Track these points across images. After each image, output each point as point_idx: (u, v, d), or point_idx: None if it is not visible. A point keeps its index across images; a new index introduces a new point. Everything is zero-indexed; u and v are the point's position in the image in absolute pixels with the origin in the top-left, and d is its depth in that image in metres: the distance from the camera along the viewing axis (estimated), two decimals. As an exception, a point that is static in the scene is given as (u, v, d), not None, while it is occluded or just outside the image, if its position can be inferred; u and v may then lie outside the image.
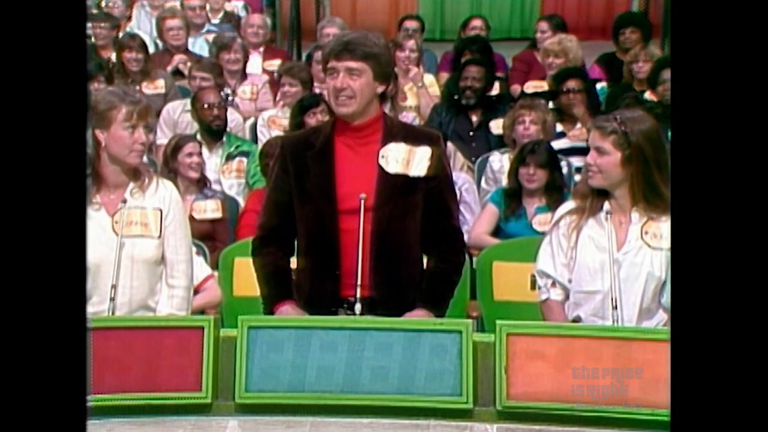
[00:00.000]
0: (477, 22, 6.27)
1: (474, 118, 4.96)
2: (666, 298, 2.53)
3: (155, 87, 5.26)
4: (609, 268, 2.43)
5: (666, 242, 2.51)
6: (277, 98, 5.03)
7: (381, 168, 2.50)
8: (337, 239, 2.49)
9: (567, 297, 2.61)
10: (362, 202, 2.45)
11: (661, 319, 2.54)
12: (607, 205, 2.55)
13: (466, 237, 3.92)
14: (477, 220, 4.04)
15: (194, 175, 4.14)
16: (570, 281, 2.59)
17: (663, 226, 2.53)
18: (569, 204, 2.66)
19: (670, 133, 3.92)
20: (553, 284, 2.61)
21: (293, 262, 2.63)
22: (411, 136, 2.56)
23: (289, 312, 2.45)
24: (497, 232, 3.94)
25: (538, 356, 2.00)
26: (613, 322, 2.31)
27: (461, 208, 4.10)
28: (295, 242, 2.61)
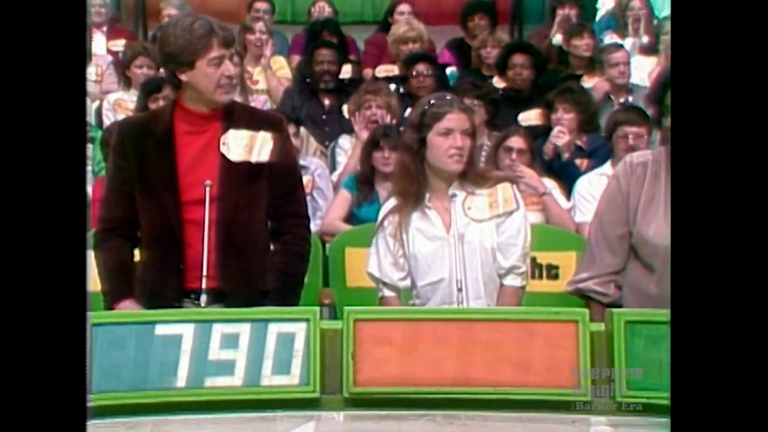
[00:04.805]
0: (322, 4, 6.22)
1: (327, 102, 4.94)
2: (502, 263, 2.61)
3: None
4: (448, 253, 2.49)
5: (485, 212, 2.59)
6: (132, 80, 4.80)
7: (223, 155, 2.44)
8: (181, 231, 2.41)
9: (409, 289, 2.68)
10: (207, 189, 2.38)
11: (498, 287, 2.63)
12: (427, 195, 2.61)
13: (319, 223, 3.92)
14: (330, 206, 4.02)
15: None
16: (403, 279, 2.65)
17: (478, 198, 2.61)
18: (391, 202, 2.70)
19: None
20: (384, 283, 2.67)
21: (136, 256, 2.54)
22: (253, 121, 2.50)
23: (129, 309, 2.36)
24: (351, 218, 3.95)
25: (385, 341, 2.00)
26: (458, 304, 2.36)
27: (314, 194, 4.08)
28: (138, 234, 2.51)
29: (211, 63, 2.41)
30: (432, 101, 2.67)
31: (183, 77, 2.43)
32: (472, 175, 2.62)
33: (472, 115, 2.66)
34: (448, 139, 2.58)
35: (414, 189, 2.61)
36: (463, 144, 2.59)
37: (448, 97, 2.71)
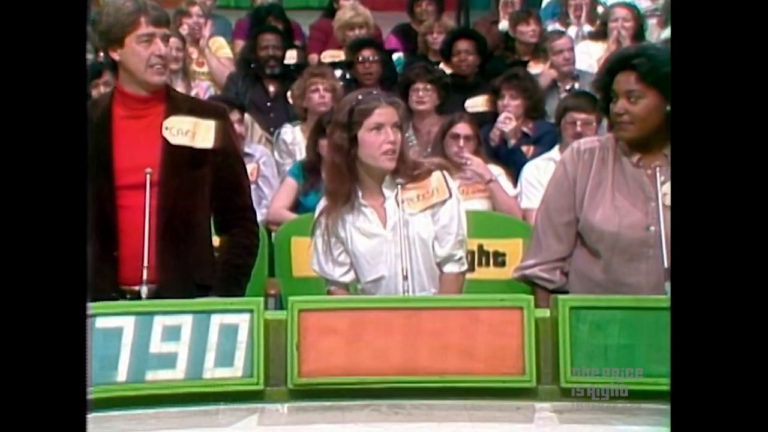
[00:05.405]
0: None
1: (271, 88, 4.88)
2: (438, 252, 2.61)
3: None
4: (386, 250, 2.51)
5: (419, 204, 2.58)
6: None
7: (165, 140, 2.39)
8: (115, 218, 2.35)
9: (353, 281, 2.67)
10: (148, 176, 2.32)
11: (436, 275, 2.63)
12: (360, 193, 2.59)
13: (264, 212, 3.87)
14: (275, 194, 3.97)
15: None
16: (345, 274, 2.64)
17: (411, 192, 2.59)
18: (322, 202, 2.68)
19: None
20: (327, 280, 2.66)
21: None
22: (196, 108, 2.47)
23: None
24: (297, 206, 3.91)
25: (330, 331, 1.97)
26: (404, 292, 2.34)
27: (259, 182, 4.03)
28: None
29: (140, 40, 2.38)
30: (359, 97, 2.64)
31: (114, 56, 2.42)
32: (403, 170, 2.60)
33: (399, 109, 2.63)
34: (380, 134, 2.55)
35: (345, 189, 2.58)
36: (395, 138, 2.56)
37: (374, 92, 2.68)
